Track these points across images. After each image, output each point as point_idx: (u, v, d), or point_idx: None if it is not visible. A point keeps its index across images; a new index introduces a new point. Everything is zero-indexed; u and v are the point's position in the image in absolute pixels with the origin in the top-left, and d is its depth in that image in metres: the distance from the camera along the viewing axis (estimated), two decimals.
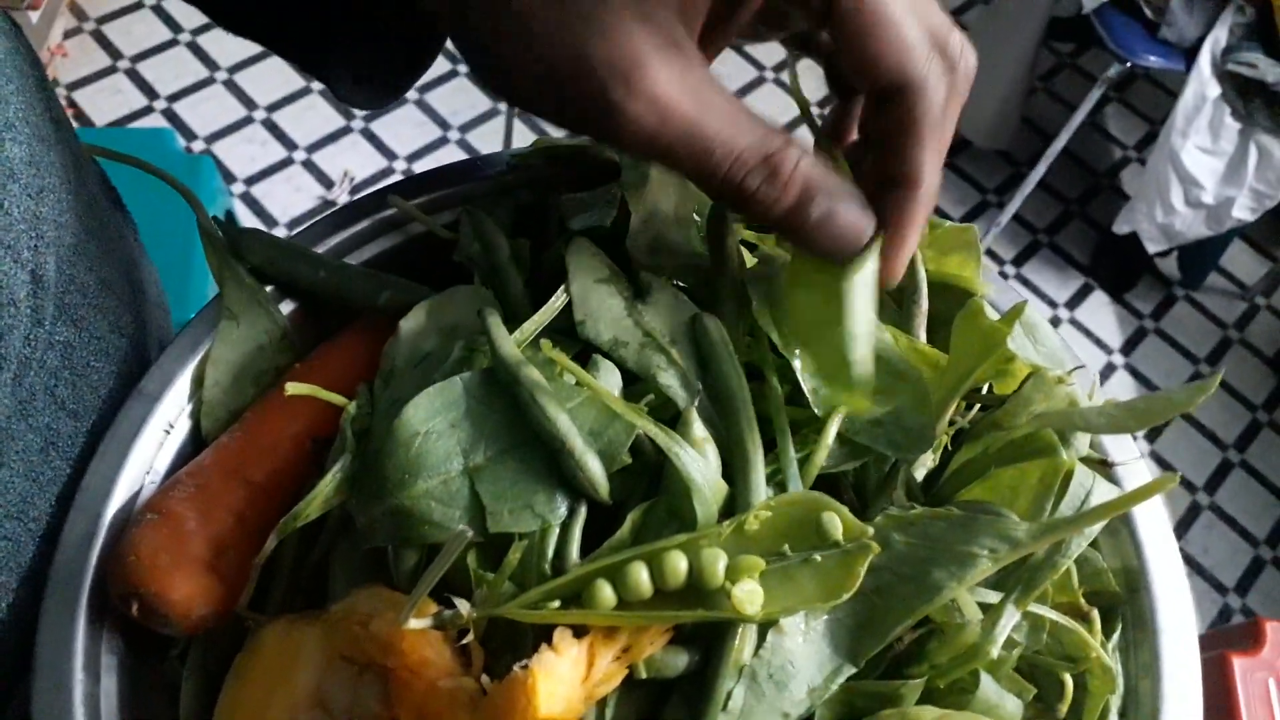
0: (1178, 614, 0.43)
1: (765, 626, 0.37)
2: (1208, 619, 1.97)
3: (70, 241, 0.42)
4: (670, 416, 0.41)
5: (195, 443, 0.48)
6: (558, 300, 0.44)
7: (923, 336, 0.48)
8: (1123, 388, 2.16)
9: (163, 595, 0.41)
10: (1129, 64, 1.98)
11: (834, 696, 0.37)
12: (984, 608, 0.39)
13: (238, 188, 2.12)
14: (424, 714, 0.36)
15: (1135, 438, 0.44)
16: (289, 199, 2.12)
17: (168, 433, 0.47)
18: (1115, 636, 0.43)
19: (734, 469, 0.39)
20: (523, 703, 0.33)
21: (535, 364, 0.40)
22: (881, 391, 0.42)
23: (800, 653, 0.37)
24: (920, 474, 0.43)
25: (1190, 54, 1.94)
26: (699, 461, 0.38)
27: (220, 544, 0.42)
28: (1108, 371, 2.22)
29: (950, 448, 0.45)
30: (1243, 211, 1.98)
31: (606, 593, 0.35)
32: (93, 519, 0.44)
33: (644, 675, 0.36)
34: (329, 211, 0.55)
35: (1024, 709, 0.40)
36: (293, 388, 0.41)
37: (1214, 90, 1.90)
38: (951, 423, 0.44)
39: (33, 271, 0.39)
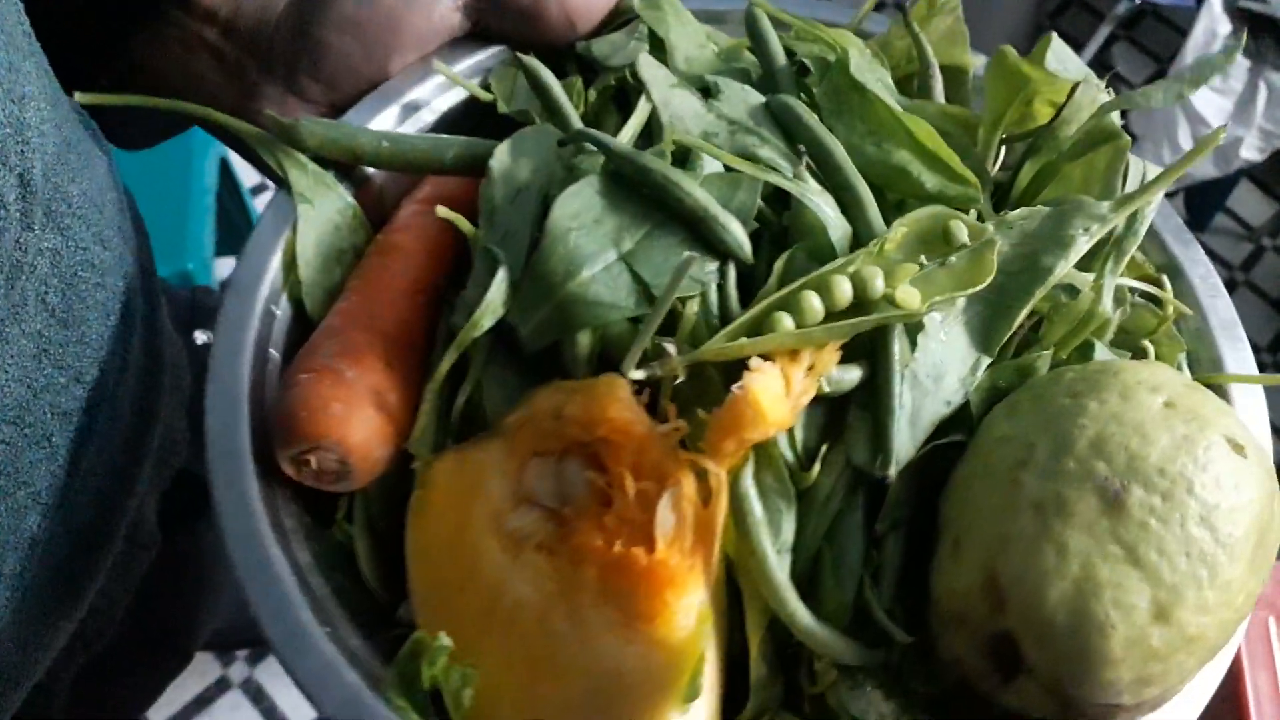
0: (1211, 285, 0.51)
1: (913, 335, 0.42)
2: None
3: (53, 150, 0.42)
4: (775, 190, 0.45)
5: (300, 326, 0.49)
6: (644, 108, 0.47)
7: (942, 101, 0.53)
8: None
9: (344, 441, 0.42)
10: (1138, 0, 1.96)
11: (981, 383, 0.42)
12: None
13: None
14: (642, 465, 0.39)
15: None
16: None
17: (275, 314, 0.48)
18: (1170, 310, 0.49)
19: (851, 211, 0.43)
20: (750, 414, 0.37)
21: None
22: None
23: (945, 352, 0.42)
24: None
25: None
26: (828, 204, 0.42)
27: (380, 388, 0.44)
28: None
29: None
30: (1251, 152, 1.97)
31: (786, 321, 0.39)
32: (233, 400, 0.45)
33: (826, 390, 0.40)
34: (354, 109, 0.56)
35: None
36: (442, 211, 0.43)
37: (1224, 27, 1.83)
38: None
39: (20, 175, 0.39)
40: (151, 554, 0.57)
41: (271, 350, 0.48)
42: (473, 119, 0.57)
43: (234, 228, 1.44)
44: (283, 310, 0.49)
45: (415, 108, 0.56)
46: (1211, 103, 1.91)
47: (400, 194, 0.54)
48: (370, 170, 0.54)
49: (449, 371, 0.46)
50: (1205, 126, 1.91)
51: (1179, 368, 0.48)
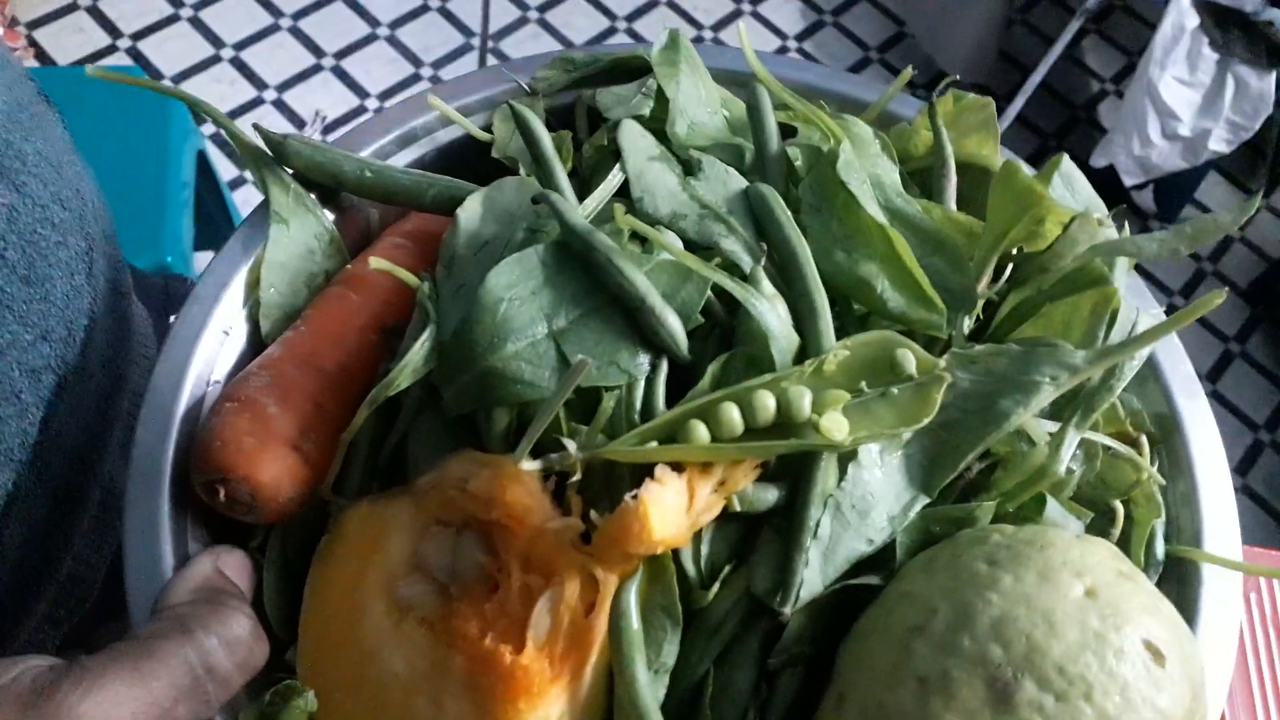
0: (1210, 449, 0.47)
1: (845, 463, 0.39)
2: None
3: (4, 108, 0.42)
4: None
5: (253, 348, 0.49)
6: (615, 178, 0.45)
7: (953, 207, 0.50)
8: None
9: (251, 477, 0.42)
10: None
11: (912, 524, 0.40)
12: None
13: (208, 128, 2.05)
14: (530, 557, 0.38)
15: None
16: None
17: (227, 334, 0.48)
18: (1154, 470, 0.45)
19: (803, 320, 0.41)
20: (636, 528, 0.35)
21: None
22: (920, 260, 0.44)
23: (878, 485, 0.39)
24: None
25: None
26: (774, 310, 0.40)
27: (302, 428, 0.43)
28: None
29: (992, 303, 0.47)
30: (1219, 144, 1.98)
31: (701, 431, 0.37)
32: (165, 417, 0.45)
33: (738, 509, 0.38)
34: (351, 127, 0.56)
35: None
36: (375, 263, 0.42)
37: (1192, 20, 1.90)
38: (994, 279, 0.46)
39: None
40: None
41: (217, 370, 0.48)
42: (476, 152, 0.56)
43: (212, 221, 1.44)
44: (239, 329, 0.49)
45: (415, 137, 0.56)
46: (1180, 95, 1.93)
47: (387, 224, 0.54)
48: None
49: (384, 415, 0.46)
50: (1175, 120, 1.93)
51: (1151, 535, 0.44)
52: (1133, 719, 0.31)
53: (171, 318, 0.67)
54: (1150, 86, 1.96)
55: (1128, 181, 2.11)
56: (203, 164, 1.35)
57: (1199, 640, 0.40)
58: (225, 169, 1.93)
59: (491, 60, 2.15)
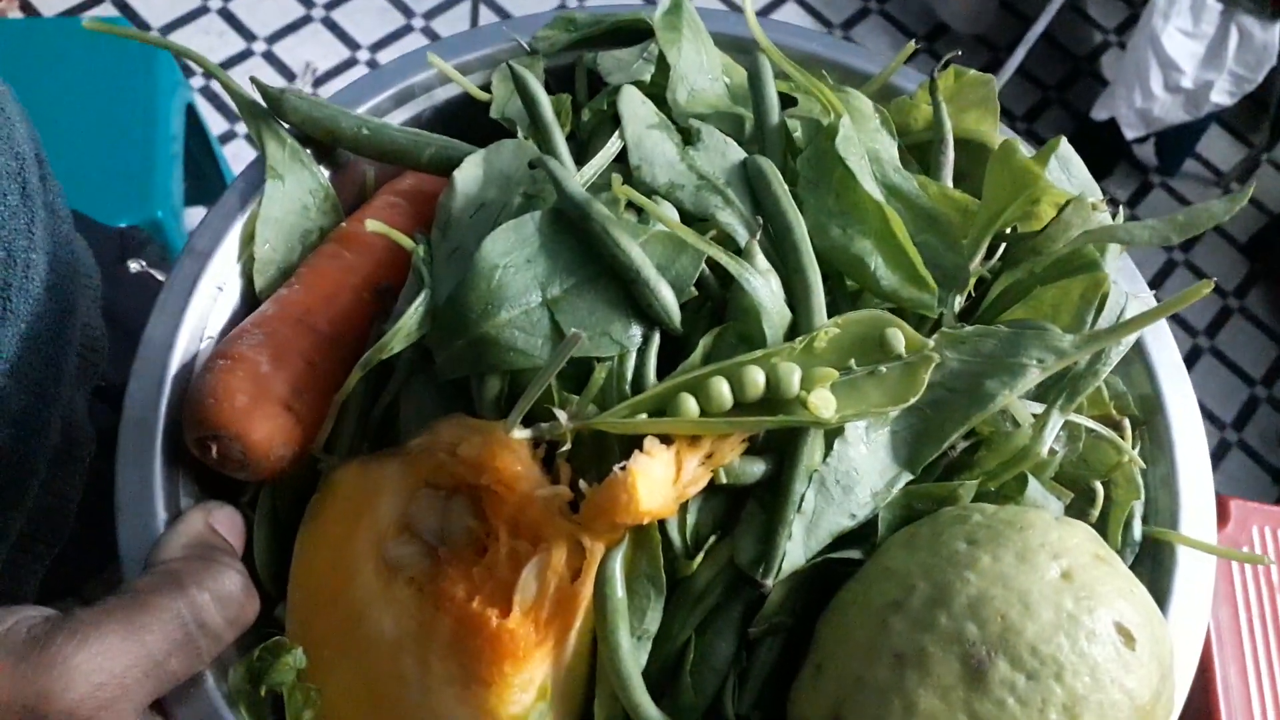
0: (1191, 433, 0.47)
1: (831, 438, 0.40)
2: None
3: None
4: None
5: (247, 304, 0.49)
6: (613, 145, 0.45)
7: (950, 184, 0.50)
8: None
9: (243, 435, 0.42)
10: None
11: (895, 500, 0.40)
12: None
13: (197, 81, 2.00)
14: (519, 523, 0.38)
15: None
16: (252, 93, 2.01)
17: (220, 290, 0.48)
18: (1136, 452, 0.46)
19: (796, 296, 0.41)
20: (624, 499, 0.35)
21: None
22: (914, 237, 0.44)
23: (863, 462, 0.40)
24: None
25: None
26: (767, 285, 0.40)
27: (294, 387, 0.43)
28: None
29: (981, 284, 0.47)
30: (1221, 96, 1.98)
31: (690, 404, 0.38)
32: (157, 373, 0.45)
33: (724, 481, 0.38)
34: (347, 82, 0.55)
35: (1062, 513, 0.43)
36: (371, 224, 0.42)
37: None
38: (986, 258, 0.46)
39: None
40: (89, 451, 0.57)
41: (210, 325, 0.48)
42: (473, 111, 0.56)
43: (203, 176, 1.41)
44: (233, 285, 0.49)
45: (412, 94, 0.55)
46: (1183, 47, 1.91)
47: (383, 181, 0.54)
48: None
49: (376, 377, 0.46)
50: (1177, 71, 1.92)
51: (1130, 516, 0.44)
52: (1101, 699, 0.32)
53: (130, 262, 0.67)
54: (1153, 37, 1.93)
55: (1129, 135, 2.07)
56: (192, 118, 1.33)
57: (1170, 621, 0.41)
58: (215, 123, 1.89)
59: (484, 10, 2.11)
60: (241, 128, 1.97)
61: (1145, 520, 0.45)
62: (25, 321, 0.48)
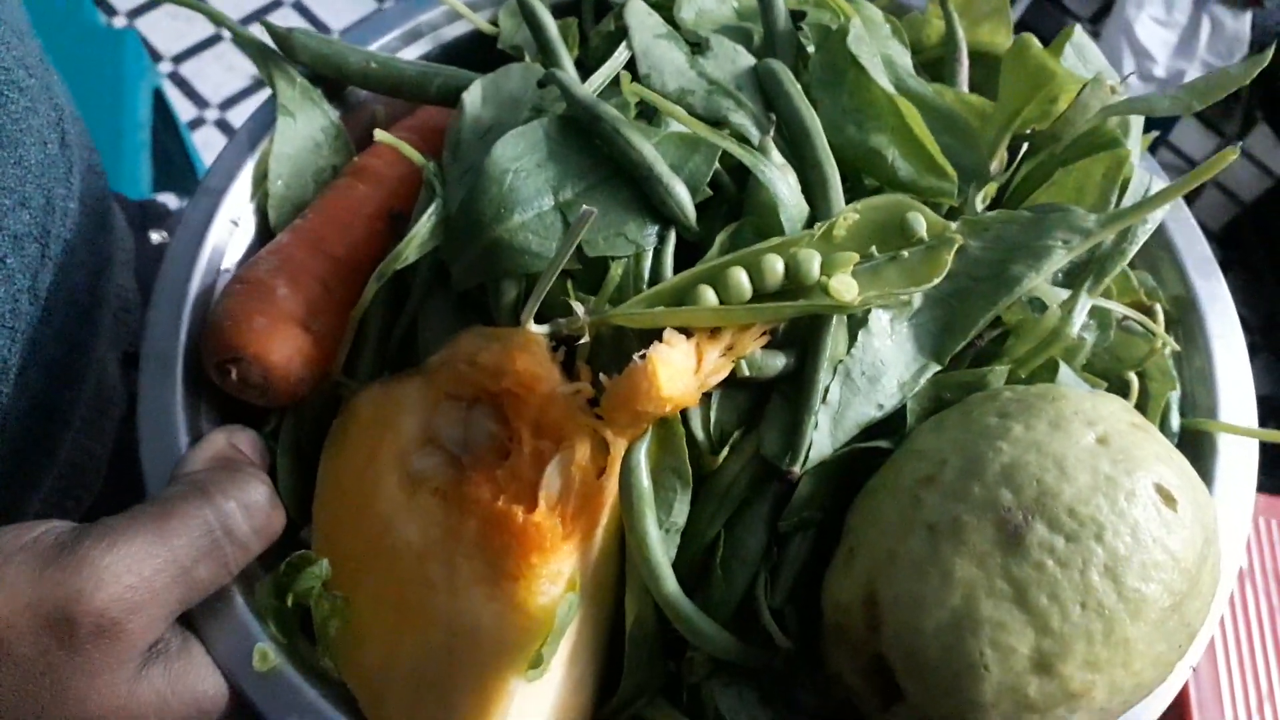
0: (1226, 325, 0.46)
1: (855, 330, 0.39)
2: None
3: None
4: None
5: (261, 239, 0.49)
6: (621, 54, 0.45)
7: (965, 89, 0.50)
8: None
9: (262, 356, 0.42)
10: None
11: (923, 390, 0.39)
12: None
13: (165, 66, 1.96)
14: (541, 424, 0.38)
15: None
16: (221, 79, 1.96)
17: (235, 224, 0.48)
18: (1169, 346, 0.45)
19: (813, 191, 0.41)
20: (645, 386, 0.35)
21: None
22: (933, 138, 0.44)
23: (888, 353, 0.39)
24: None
25: None
26: (784, 179, 0.39)
27: (311, 309, 0.43)
28: None
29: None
30: None
31: (709, 295, 0.37)
32: (176, 303, 0.45)
33: (746, 373, 0.38)
34: (353, 23, 0.55)
35: None
36: (380, 135, 0.42)
37: None
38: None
39: None
40: (120, 412, 0.58)
41: (227, 259, 0.48)
42: (481, 48, 0.56)
43: (171, 162, 1.37)
44: (247, 221, 0.49)
45: (419, 33, 0.55)
46: (1156, 35, 1.91)
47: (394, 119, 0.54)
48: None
49: (393, 301, 0.46)
50: (1149, 60, 1.90)
51: (1167, 408, 0.43)
52: (1144, 559, 0.31)
53: (151, 233, 0.67)
54: (1126, 26, 1.94)
55: None
56: (159, 103, 1.29)
57: (1216, 502, 0.40)
58: (183, 109, 1.83)
59: None
60: (211, 114, 1.91)
61: (1183, 414, 0.44)
62: (62, 270, 0.48)
